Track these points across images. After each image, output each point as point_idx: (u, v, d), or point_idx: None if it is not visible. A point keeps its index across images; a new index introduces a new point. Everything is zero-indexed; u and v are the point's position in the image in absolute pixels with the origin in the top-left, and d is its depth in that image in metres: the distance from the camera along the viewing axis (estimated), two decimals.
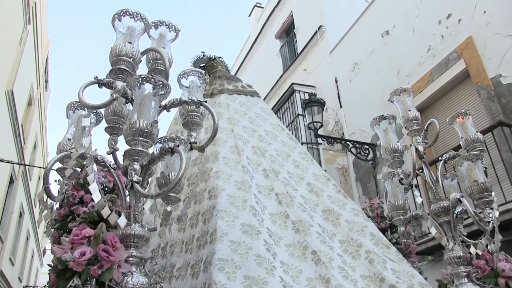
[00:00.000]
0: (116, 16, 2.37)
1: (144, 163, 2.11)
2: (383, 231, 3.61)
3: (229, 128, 3.42)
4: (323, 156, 10.61)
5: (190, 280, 2.43)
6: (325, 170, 10.30)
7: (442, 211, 2.90)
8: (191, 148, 2.46)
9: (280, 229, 2.77)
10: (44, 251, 22.36)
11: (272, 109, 12.01)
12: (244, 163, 3.11)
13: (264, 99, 13.15)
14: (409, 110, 3.18)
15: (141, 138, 2.01)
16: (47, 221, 2.23)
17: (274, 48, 13.78)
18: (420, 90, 7.53)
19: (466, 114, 3.18)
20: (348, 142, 9.19)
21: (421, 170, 3.10)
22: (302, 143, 10.57)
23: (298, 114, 10.85)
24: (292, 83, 11.14)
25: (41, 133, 19.26)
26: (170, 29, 2.70)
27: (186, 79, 2.62)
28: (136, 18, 2.41)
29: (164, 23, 2.69)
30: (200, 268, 2.37)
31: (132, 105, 2.28)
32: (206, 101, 2.45)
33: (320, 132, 9.54)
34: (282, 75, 12.59)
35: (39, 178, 21.00)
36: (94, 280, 1.79)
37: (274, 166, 3.23)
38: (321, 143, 10.38)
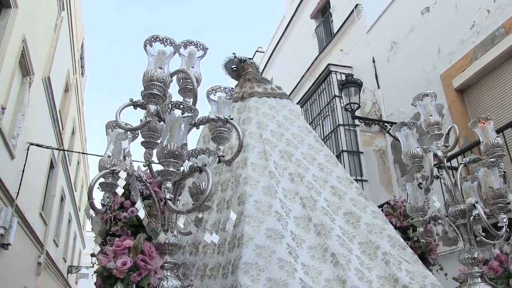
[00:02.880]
0: (148, 42, 2.74)
1: (176, 180, 2.51)
2: (406, 229, 3.92)
3: (257, 133, 3.78)
4: (361, 138, 10.82)
5: (220, 280, 2.84)
6: (362, 153, 10.60)
7: (459, 214, 3.18)
8: (219, 161, 2.85)
9: (303, 232, 3.13)
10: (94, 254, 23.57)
11: (307, 91, 12.30)
12: (271, 169, 3.47)
13: (299, 81, 13.44)
14: (431, 115, 3.44)
15: (172, 159, 2.40)
16: (97, 233, 2.68)
17: (310, 28, 13.92)
18: (462, 69, 7.60)
19: (487, 119, 3.38)
20: (386, 124, 9.31)
21: (441, 174, 3.38)
22: (338, 125, 10.85)
23: (335, 96, 11.05)
24: (328, 64, 11.32)
25: (79, 119, 20.23)
26: (198, 48, 3.06)
27: (214, 95, 3.01)
28: (166, 43, 2.78)
29: (192, 43, 3.05)
30: (229, 270, 2.78)
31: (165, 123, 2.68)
32: (232, 118, 2.81)
33: (357, 113, 9.72)
34: (317, 56, 12.77)
35: (78, 163, 22.19)
36: (135, 285, 2.22)
37: (299, 170, 3.58)
38: (358, 125, 10.59)
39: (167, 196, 2.34)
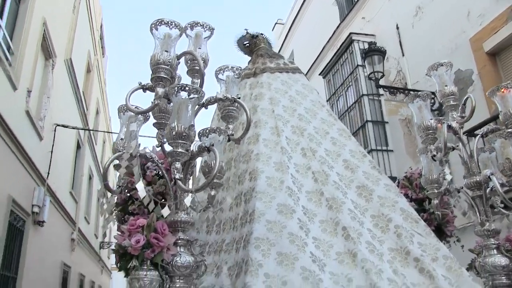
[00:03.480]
0: (153, 25, 2.82)
1: (185, 160, 2.61)
2: (422, 201, 3.95)
3: (270, 108, 3.84)
4: (385, 107, 10.73)
5: (234, 254, 2.97)
6: (387, 122, 10.52)
7: (475, 186, 3.19)
8: (229, 140, 2.94)
9: (315, 206, 3.21)
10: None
11: (329, 61, 12.20)
12: (283, 144, 3.54)
13: (321, 52, 13.30)
14: (446, 86, 3.42)
15: (180, 140, 2.50)
16: (108, 214, 2.82)
17: None
18: (494, 31, 7.33)
19: (507, 87, 3.31)
20: (411, 92, 9.19)
21: (457, 145, 3.38)
22: (362, 95, 10.77)
23: (358, 65, 10.95)
24: (350, 33, 11.18)
25: (102, 99, 20.62)
26: (205, 29, 3.13)
27: (223, 74, 3.08)
28: (171, 26, 2.85)
29: (199, 24, 3.11)
30: (241, 245, 2.89)
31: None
32: (239, 97, 2.88)
33: (381, 82, 9.61)
34: (339, 25, 12.60)
35: (104, 142, 22.69)
36: (149, 261, 2.36)
37: (312, 145, 3.64)
38: (382, 94, 10.49)
39: (177, 176, 2.45)
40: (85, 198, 17.43)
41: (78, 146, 15.18)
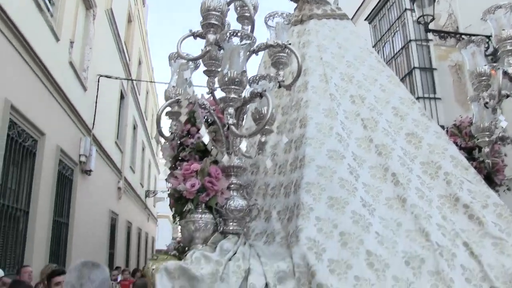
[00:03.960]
0: None
1: (238, 106, 2.70)
2: (471, 150, 3.93)
3: (317, 56, 3.84)
4: (434, 52, 10.44)
5: (283, 199, 3.08)
6: (435, 69, 10.25)
7: None
8: (280, 86, 3.00)
9: (364, 152, 3.26)
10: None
11: (376, 6, 11.85)
12: (332, 91, 3.57)
13: None
14: (503, 29, 3.33)
15: (233, 86, 2.57)
16: (167, 158, 2.97)
17: None
18: None
19: None
20: (463, 36, 8.83)
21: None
22: (410, 41, 10.48)
23: (406, 9, 10.62)
24: None
25: (144, 49, 20.81)
26: None
27: (272, 21, 3.10)
28: None
29: None
30: (291, 190, 2.99)
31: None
32: (290, 43, 2.92)
33: (430, 26, 9.23)
34: None
35: (147, 93, 23.09)
36: (203, 204, 2.50)
37: (360, 92, 3.65)
38: (431, 40, 10.19)
39: (230, 122, 2.55)
40: (130, 148, 17.99)
41: (122, 97, 15.56)
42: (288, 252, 2.56)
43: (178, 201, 2.50)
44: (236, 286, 2.20)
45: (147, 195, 23.13)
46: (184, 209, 2.45)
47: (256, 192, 3.34)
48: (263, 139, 2.84)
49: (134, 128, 19.13)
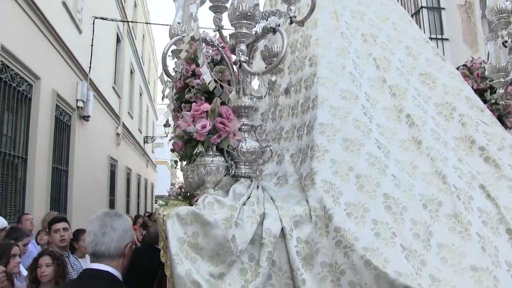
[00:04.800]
0: None
1: (249, 42, 2.52)
2: (483, 91, 3.79)
3: None
4: None
5: (296, 141, 2.95)
6: (443, 8, 9.88)
7: None
8: (291, 22, 2.80)
9: (377, 93, 3.11)
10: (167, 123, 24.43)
11: None
12: (343, 29, 3.37)
13: None
14: None
15: (244, 21, 2.38)
16: (170, 98, 2.80)
17: None
18: None
19: None
20: None
21: None
22: None
23: None
24: None
25: None
26: None
27: None
28: None
29: None
30: (304, 131, 2.86)
31: None
32: None
33: None
34: None
35: (143, 37, 22.55)
36: (215, 147, 2.36)
37: (372, 30, 3.45)
38: None
39: (242, 59, 2.37)
40: (128, 93, 17.75)
41: (118, 40, 15.15)
42: (302, 195, 2.45)
43: (188, 143, 2.34)
44: (251, 231, 2.09)
45: (145, 141, 23.06)
46: (194, 152, 2.31)
47: (273, 137, 3.22)
48: (273, 78, 2.68)
49: (131, 73, 18.77)
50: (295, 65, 3.32)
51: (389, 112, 3.02)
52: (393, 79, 3.16)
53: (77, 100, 10.67)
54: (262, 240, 2.09)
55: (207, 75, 2.32)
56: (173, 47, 2.95)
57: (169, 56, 3.03)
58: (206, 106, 2.37)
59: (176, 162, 4.89)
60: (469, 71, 4.10)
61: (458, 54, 8.01)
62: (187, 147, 2.35)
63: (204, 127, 2.26)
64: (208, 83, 2.36)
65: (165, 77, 2.88)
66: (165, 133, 23.93)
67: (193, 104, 2.48)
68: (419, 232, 2.31)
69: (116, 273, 2.19)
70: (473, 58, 4.20)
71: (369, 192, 2.40)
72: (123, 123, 16.04)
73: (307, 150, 2.66)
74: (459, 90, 3.19)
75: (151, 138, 24.20)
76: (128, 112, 17.81)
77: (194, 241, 2.05)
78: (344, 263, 2.10)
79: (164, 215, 2.09)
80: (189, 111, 2.51)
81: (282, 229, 2.16)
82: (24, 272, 4.18)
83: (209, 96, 3.01)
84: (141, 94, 22.01)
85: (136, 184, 20.94)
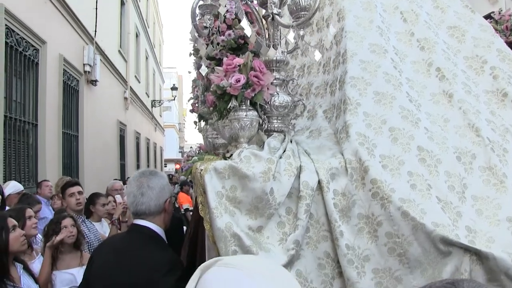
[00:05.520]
0: None
1: None
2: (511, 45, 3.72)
3: None
4: None
5: (329, 97, 2.93)
6: None
7: None
8: None
9: (406, 46, 3.07)
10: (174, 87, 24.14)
11: None
12: None
13: None
14: None
15: None
16: (204, 55, 2.78)
17: None
18: None
19: None
20: None
21: None
22: None
23: None
24: None
25: None
26: None
27: None
28: None
29: None
30: (336, 87, 2.84)
31: None
32: None
33: None
34: None
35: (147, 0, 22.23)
36: (248, 101, 2.36)
37: None
38: None
39: (274, 11, 2.35)
40: (134, 56, 17.64)
41: (122, 3, 14.96)
42: (337, 147, 2.46)
43: (221, 98, 2.34)
44: (289, 184, 2.11)
45: (153, 105, 23.05)
46: (228, 107, 2.30)
47: (299, 92, 3.20)
48: (301, 33, 2.65)
49: (137, 36, 18.61)
50: (323, 23, 3.27)
51: (418, 65, 2.99)
52: (421, 33, 3.12)
53: (84, 64, 10.64)
54: (300, 193, 2.11)
55: (247, 29, 2.30)
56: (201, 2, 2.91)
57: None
58: (238, 60, 2.35)
59: (195, 122, 4.88)
60: (496, 24, 4.02)
61: (475, 7, 7.80)
62: (220, 102, 2.34)
63: (238, 81, 2.25)
64: (250, 36, 2.34)
65: (195, 33, 2.84)
66: (173, 96, 23.95)
67: (225, 59, 2.47)
68: (454, 184, 2.33)
69: (157, 229, 2.27)
70: (501, 10, 4.11)
71: (403, 145, 2.40)
72: (130, 87, 16.01)
73: (340, 105, 2.65)
74: (490, 42, 3.14)
75: (159, 102, 24.17)
76: (135, 76, 17.75)
77: (233, 195, 2.07)
78: (381, 214, 2.12)
79: (201, 169, 2.11)
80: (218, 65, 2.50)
81: (319, 181, 2.17)
82: (38, 236, 4.27)
83: (233, 53, 2.99)
84: (147, 58, 21.87)
85: (145, 148, 21.09)
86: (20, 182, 6.23)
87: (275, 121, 2.47)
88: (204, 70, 2.75)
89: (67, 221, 3.88)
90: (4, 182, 6.01)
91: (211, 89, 2.40)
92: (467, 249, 2.03)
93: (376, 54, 2.84)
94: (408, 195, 2.16)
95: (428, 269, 2.09)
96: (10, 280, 2.77)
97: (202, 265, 0.90)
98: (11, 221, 2.95)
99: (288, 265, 2.07)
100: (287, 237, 2.09)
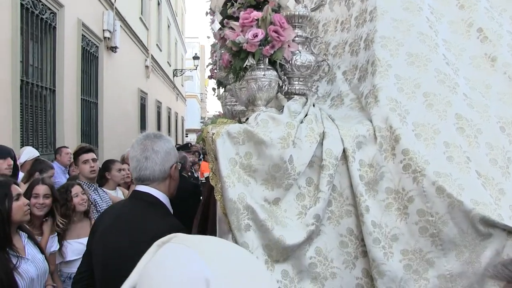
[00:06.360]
0: None
1: None
2: None
3: None
4: None
5: (348, 57, 2.67)
6: None
7: None
8: None
9: (442, 5, 2.77)
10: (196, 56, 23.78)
11: None
12: None
13: None
14: None
15: None
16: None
17: None
18: None
19: None
20: None
21: None
22: None
23: None
24: None
25: None
26: None
27: None
28: None
29: None
30: (360, 46, 2.57)
31: None
32: None
33: None
34: None
35: None
36: (267, 59, 2.12)
37: None
38: None
39: None
40: (156, 24, 17.41)
41: None
42: (363, 114, 2.22)
43: (237, 56, 2.10)
44: (310, 152, 1.89)
45: (175, 74, 22.85)
46: (243, 65, 2.07)
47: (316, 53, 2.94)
48: None
49: (158, 4, 18.32)
50: None
51: (457, 26, 2.69)
52: None
53: (103, 30, 10.45)
54: (322, 162, 1.89)
55: None
56: None
57: None
58: (256, 14, 2.11)
59: (213, 89, 4.72)
60: None
61: None
62: (235, 60, 2.11)
63: (255, 36, 2.01)
64: None
65: None
66: (194, 66, 23.71)
67: (241, 12, 2.23)
68: (497, 157, 2.08)
69: (161, 196, 2.10)
70: None
71: (439, 112, 2.15)
72: (151, 55, 15.81)
73: (366, 66, 2.40)
74: None
75: (181, 71, 23.93)
76: (157, 45, 17.53)
77: (247, 162, 1.86)
78: (412, 189, 1.89)
79: (213, 133, 1.89)
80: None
81: (344, 150, 1.95)
82: None
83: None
84: (169, 26, 21.58)
85: (166, 117, 21.01)
86: (37, 149, 6.14)
87: (296, 82, 2.23)
88: (216, 26, 2.51)
89: (77, 189, 3.75)
90: (22, 148, 5.94)
91: (226, 46, 2.17)
92: (511, 232, 1.81)
93: (410, 12, 2.56)
94: (444, 168, 1.92)
95: (465, 252, 1.87)
96: (13, 250, 2.64)
97: (159, 240, 0.90)
98: (16, 189, 2.80)
99: (307, 241, 1.87)
100: (306, 210, 1.88)
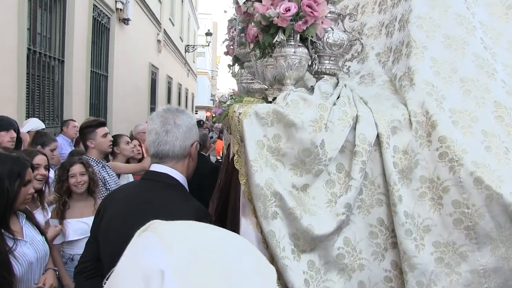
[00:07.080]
0: None
1: None
2: None
3: None
4: None
5: (384, 39, 2.55)
6: None
7: None
8: None
9: None
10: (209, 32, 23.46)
11: None
12: None
13: None
14: None
15: None
16: None
17: None
18: None
19: None
20: None
21: None
22: None
23: None
24: None
25: None
26: None
27: None
28: None
29: None
30: (395, 27, 2.45)
31: None
32: None
33: None
34: None
35: None
36: (298, 35, 2.01)
37: None
38: None
39: None
40: None
41: None
42: (396, 97, 2.11)
43: (267, 31, 1.98)
44: (343, 136, 1.79)
45: (186, 50, 22.62)
46: (273, 41, 1.96)
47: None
48: None
49: None
50: None
51: (495, 8, 2.56)
52: None
53: (116, 1, 10.30)
54: (355, 147, 1.79)
55: None
56: None
57: None
58: None
59: (229, 66, 4.60)
60: None
61: None
62: (264, 35, 1.98)
63: (287, 10, 1.89)
64: None
65: None
66: (207, 42, 23.47)
67: None
68: None
69: (180, 177, 1.96)
70: None
71: (477, 99, 2.03)
72: (164, 29, 15.62)
73: (401, 48, 2.28)
74: None
75: (193, 47, 23.67)
76: (169, 19, 17.31)
77: (275, 145, 1.76)
78: (448, 179, 1.80)
79: (240, 113, 1.79)
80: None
81: (378, 135, 1.85)
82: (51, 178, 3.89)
83: None
84: (182, 1, 21.30)
85: (177, 93, 20.88)
86: (43, 121, 6.03)
87: (327, 62, 2.12)
88: None
89: (76, 168, 3.58)
90: (27, 119, 5.83)
91: (254, 20, 2.05)
92: None
93: None
94: (483, 158, 1.82)
95: (501, 247, 1.78)
96: (9, 232, 2.36)
97: (141, 228, 0.82)
98: (30, 174, 2.53)
99: (336, 232, 1.78)
100: (336, 198, 1.79)
